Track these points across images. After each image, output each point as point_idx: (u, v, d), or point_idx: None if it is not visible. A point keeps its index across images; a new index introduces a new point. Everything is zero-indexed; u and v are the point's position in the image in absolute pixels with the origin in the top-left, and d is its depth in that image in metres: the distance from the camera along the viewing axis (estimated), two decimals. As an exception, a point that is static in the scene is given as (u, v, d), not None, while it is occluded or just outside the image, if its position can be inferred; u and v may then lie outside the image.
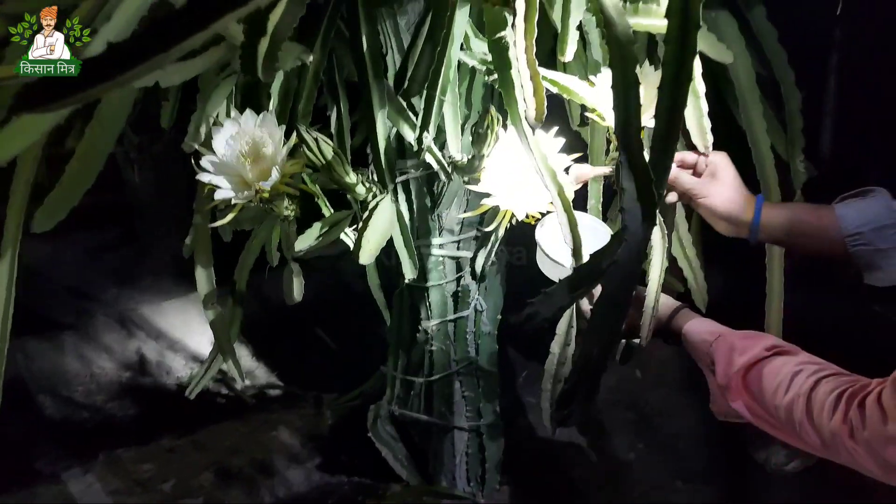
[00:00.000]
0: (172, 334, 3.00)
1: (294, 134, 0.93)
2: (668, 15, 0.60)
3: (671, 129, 0.61)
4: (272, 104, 1.01)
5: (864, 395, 0.71)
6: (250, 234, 1.29)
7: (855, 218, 0.97)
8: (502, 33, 0.84)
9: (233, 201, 0.91)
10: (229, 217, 0.95)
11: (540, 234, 1.04)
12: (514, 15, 0.72)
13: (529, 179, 0.97)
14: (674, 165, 0.97)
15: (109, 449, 2.17)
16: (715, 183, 0.98)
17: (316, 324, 2.97)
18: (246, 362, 2.86)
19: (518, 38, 0.76)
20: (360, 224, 1.00)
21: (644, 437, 2.40)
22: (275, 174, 0.91)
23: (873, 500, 1.90)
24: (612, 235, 0.64)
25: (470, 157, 0.92)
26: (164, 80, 0.88)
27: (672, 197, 1.03)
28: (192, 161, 0.94)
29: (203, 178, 0.92)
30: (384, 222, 1.03)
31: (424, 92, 0.89)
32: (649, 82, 1.01)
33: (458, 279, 1.55)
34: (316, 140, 0.93)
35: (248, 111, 0.93)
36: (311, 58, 0.95)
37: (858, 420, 0.70)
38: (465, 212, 1.33)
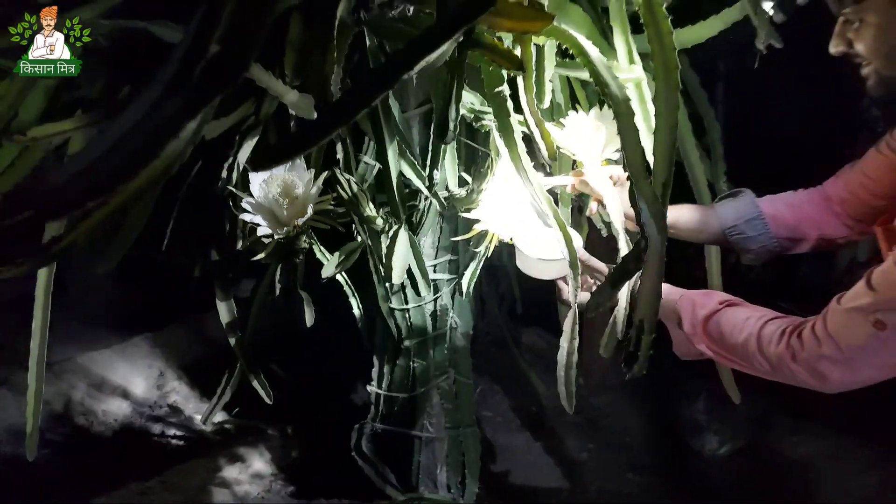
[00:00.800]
0: (115, 381, 2.96)
1: (322, 175, 1.07)
2: (653, 60, 0.81)
3: (670, 165, 0.81)
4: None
5: (800, 328, 0.94)
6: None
7: (731, 214, 1.25)
8: (500, 88, 1.03)
9: (275, 236, 1.05)
10: (267, 251, 1.08)
11: (520, 245, 1.22)
12: (523, 74, 0.91)
13: (515, 207, 1.16)
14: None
15: (83, 501, 2.15)
16: (601, 187, 1.20)
17: (271, 358, 3.02)
18: (196, 403, 2.87)
19: (521, 94, 0.95)
20: (385, 251, 1.15)
21: (593, 438, 2.63)
22: (310, 211, 1.05)
23: (785, 473, 2.20)
24: (633, 244, 0.84)
25: (469, 190, 1.10)
26: (209, 133, 1.01)
27: (593, 206, 1.28)
28: (230, 203, 1.06)
29: (245, 217, 1.05)
30: (404, 248, 1.18)
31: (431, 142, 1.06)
32: (609, 122, 1.24)
33: (436, 300, 1.71)
34: (348, 181, 1.07)
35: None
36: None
37: (798, 346, 0.93)
38: (453, 236, 1.49)
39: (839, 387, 0.92)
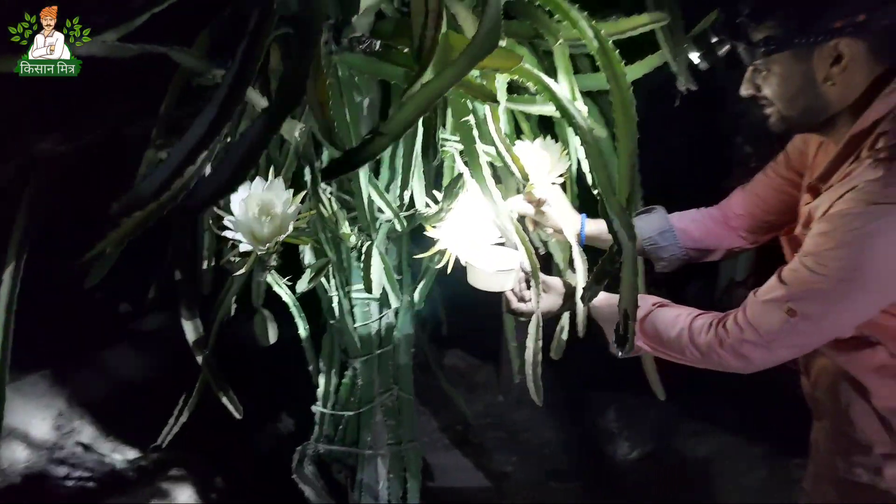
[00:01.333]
0: (11, 423, 2.78)
1: (302, 194, 1.14)
2: (612, 97, 0.96)
3: (633, 183, 0.95)
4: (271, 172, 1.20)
5: (724, 319, 1.11)
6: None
7: (646, 227, 1.44)
8: (467, 118, 1.15)
9: (257, 252, 1.10)
10: (246, 267, 1.13)
11: (474, 262, 1.32)
12: (493, 105, 1.04)
13: (473, 226, 1.28)
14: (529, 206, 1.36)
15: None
16: (555, 210, 1.36)
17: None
18: (105, 443, 2.74)
19: (490, 123, 1.08)
20: (363, 265, 1.22)
21: (516, 451, 2.76)
22: (290, 228, 1.11)
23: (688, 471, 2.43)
24: (609, 249, 0.97)
25: (438, 209, 1.20)
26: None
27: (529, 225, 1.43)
28: (210, 221, 1.10)
29: (227, 234, 1.09)
30: (378, 263, 1.26)
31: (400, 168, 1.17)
32: (552, 151, 1.40)
33: (381, 318, 1.79)
34: (329, 199, 1.14)
35: (257, 178, 1.13)
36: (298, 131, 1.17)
37: (724, 334, 1.09)
38: (398, 257, 1.58)
39: (759, 366, 1.09)
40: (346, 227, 1.24)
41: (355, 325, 1.75)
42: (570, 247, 1.29)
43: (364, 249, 1.28)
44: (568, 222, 1.30)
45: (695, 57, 1.15)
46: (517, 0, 1.27)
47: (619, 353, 1.12)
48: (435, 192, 1.26)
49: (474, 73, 1.13)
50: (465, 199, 1.20)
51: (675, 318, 1.16)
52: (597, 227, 1.39)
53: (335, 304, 1.71)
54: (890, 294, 0.98)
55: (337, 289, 1.63)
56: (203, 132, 0.62)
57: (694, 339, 1.12)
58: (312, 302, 1.74)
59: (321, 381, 1.81)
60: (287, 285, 1.55)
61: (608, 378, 3.13)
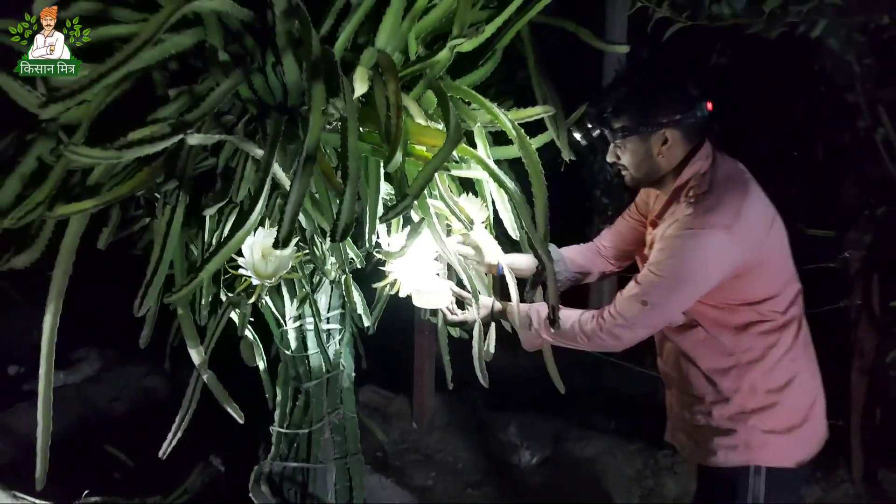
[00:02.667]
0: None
1: (295, 239, 1.48)
2: (526, 164, 1.42)
3: (547, 224, 1.40)
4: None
5: (602, 312, 1.55)
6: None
7: None
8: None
9: (266, 284, 1.43)
10: (254, 298, 1.45)
11: (420, 286, 1.71)
12: (442, 171, 1.46)
13: (419, 262, 1.69)
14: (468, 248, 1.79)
15: None
16: (485, 247, 1.79)
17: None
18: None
19: (439, 185, 1.50)
20: (345, 293, 1.57)
21: (434, 468, 3.11)
22: (289, 265, 1.46)
23: (580, 469, 2.91)
24: (537, 266, 1.40)
25: (400, 248, 1.59)
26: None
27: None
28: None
29: (241, 271, 1.42)
30: (353, 293, 1.60)
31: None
32: (474, 204, 1.84)
33: (328, 347, 2.11)
34: (321, 242, 1.49)
35: (260, 229, 1.47)
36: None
37: (602, 322, 1.53)
38: (340, 295, 1.93)
39: (627, 344, 1.55)
40: (329, 262, 1.59)
41: (308, 353, 2.06)
42: (492, 276, 1.73)
43: (343, 280, 1.64)
44: (494, 256, 1.74)
45: (578, 136, 1.65)
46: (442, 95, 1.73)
47: (553, 328, 1.53)
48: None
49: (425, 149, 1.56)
50: (414, 241, 1.60)
51: (568, 315, 1.62)
52: (509, 259, 1.84)
53: (290, 336, 2.02)
54: (701, 289, 1.49)
55: (297, 320, 1.96)
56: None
57: (583, 328, 1.57)
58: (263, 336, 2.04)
59: (278, 405, 2.09)
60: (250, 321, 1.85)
61: (507, 400, 3.61)
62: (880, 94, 2.20)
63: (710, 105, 1.52)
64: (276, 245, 1.13)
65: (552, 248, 1.91)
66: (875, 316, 2.67)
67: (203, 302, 1.59)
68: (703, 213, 1.45)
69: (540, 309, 1.67)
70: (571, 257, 1.90)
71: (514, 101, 1.83)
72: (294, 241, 1.50)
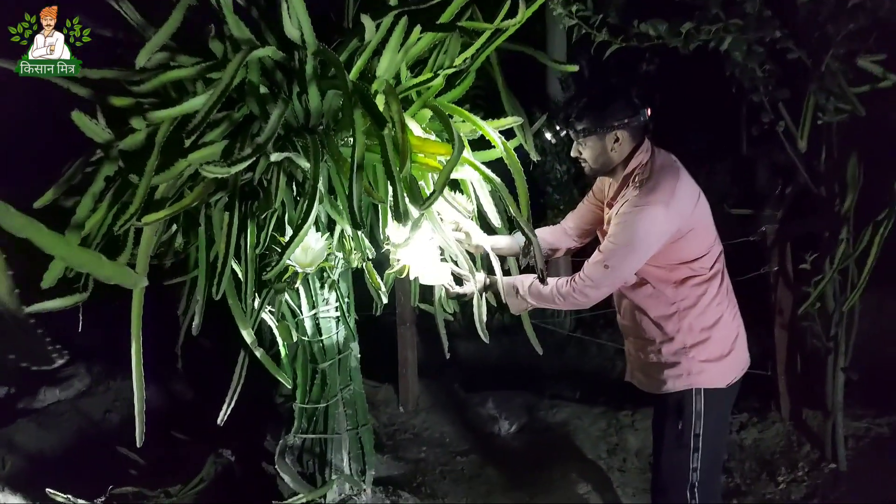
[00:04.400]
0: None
1: (333, 232, 1.83)
2: (509, 165, 1.81)
3: (528, 209, 1.79)
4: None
5: (574, 277, 1.94)
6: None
7: (522, 238, 2.30)
8: (421, 182, 1.93)
9: (307, 272, 1.77)
10: (297, 283, 1.79)
11: (419, 269, 2.08)
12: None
13: (424, 247, 2.06)
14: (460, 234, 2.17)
15: None
16: (474, 234, 2.17)
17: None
18: None
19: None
20: (369, 275, 1.93)
21: (424, 443, 3.47)
22: (324, 255, 1.80)
23: (552, 433, 3.32)
24: (524, 241, 1.78)
25: (407, 238, 1.95)
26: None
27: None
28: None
29: (288, 261, 1.76)
30: (375, 275, 1.97)
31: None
32: (462, 198, 2.22)
33: (338, 332, 2.45)
34: (350, 237, 1.84)
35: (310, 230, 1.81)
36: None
37: (575, 284, 1.93)
38: (349, 286, 2.28)
39: (594, 300, 1.95)
40: (354, 256, 1.95)
41: (322, 338, 2.40)
42: (482, 256, 2.12)
43: (364, 266, 2.00)
44: (482, 241, 2.12)
45: (549, 136, 2.06)
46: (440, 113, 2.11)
47: (517, 311, 1.92)
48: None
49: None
50: (417, 232, 1.96)
51: (548, 282, 2.02)
52: (492, 241, 2.22)
53: (307, 324, 2.35)
54: (649, 252, 1.90)
55: (311, 308, 2.30)
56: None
57: (559, 290, 1.97)
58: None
59: (299, 382, 2.42)
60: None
61: (482, 381, 4.00)
62: (778, 94, 2.69)
63: (649, 111, 1.95)
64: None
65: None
66: (790, 279, 3.18)
67: (248, 290, 1.91)
68: (646, 194, 1.87)
69: (523, 280, 2.06)
70: (543, 237, 2.31)
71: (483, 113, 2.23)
72: (325, 234, 1.85)
